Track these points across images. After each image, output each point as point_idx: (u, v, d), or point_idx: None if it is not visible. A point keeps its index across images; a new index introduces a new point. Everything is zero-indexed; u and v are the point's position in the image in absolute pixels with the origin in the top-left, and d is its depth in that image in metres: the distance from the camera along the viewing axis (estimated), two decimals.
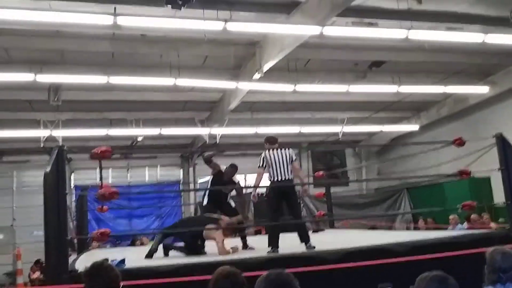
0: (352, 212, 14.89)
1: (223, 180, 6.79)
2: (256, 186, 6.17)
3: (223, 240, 5.87)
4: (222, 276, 2.72)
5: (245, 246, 6.57)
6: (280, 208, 5.94)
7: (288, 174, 5.80)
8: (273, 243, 5.53)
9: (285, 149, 5.92)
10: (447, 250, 4.75)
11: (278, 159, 5.80)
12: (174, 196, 16.37)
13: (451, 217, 10.30)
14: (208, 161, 6.87)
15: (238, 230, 6.69)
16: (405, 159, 12.41)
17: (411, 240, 5.52)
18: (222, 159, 16.81)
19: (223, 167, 6.88)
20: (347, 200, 15.51)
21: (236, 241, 6.50)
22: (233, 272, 2.75)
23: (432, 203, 12.91)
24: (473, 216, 9.35)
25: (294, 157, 5.92)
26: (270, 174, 5.82)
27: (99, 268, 2.65)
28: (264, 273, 2.15)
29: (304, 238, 5.67)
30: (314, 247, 5.48)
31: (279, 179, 5.76)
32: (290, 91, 10.96)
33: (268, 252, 5.39)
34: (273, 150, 5.90)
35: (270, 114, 14.12)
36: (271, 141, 6.10)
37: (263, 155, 5.89)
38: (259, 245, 6.23)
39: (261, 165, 5.86)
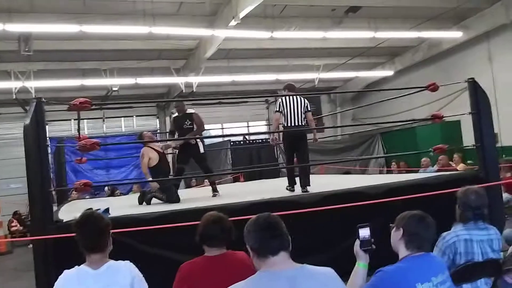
0: (328, 157, 15.23)
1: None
2: (274, 131, 6.78)
3: None
4: (211, 222, 2.85)
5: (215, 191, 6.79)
6: (293, 152, 6.29)
7: (301, 121, 6.07)
8: (291, 182, 6.16)
9: (301, 97, 6.18)
10: (420, 191, 4.98)
11: (294, 105, 6.04)
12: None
13: (423, 160, 10.68)
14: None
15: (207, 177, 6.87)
16: (379, 104, 12.61)
17: (385, 183, 5.75)
18: (199, 108, 16.87)
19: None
20: (323, 146, 15.80)
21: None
22: (221, 218, 2.89)
23: (405, 147, 13.29)
24: (441, 157, 9.68)
25: (309, 107, 6.20)
26: (284, 119, 6.06)
27: (90, 217, 2.73)
28: (252, 217, 2.27)
29: (305, 182, 5.98)
30: (308, 192, 5.81)
31: (293, 125, 6.03)
32: (267, 38, 10.89)
33: (287, 189, 6.11)
34: (290, 96, 6.12)
35: (247, 61, 14.04)
36: (290, 88, 6.37)
37: (279, 100, 6.13)
38: (235, 191, 6.45)
39: (278, 109, 6.10)
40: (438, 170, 9.35)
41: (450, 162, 10.02)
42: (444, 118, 6.50)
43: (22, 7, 9.14)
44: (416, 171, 10.74)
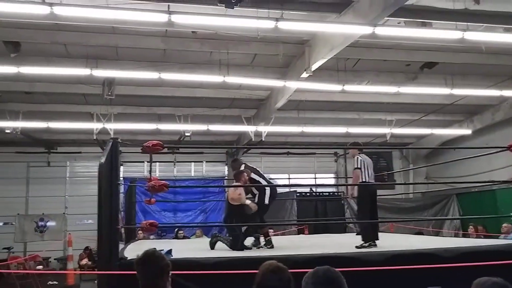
0: (398, 216, 14.61)
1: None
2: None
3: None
4: (270, 271, 2.74)
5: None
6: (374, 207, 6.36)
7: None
8: (371, 237, 5.99)
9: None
10: (498, 259, 4.57)
11: (370, 164, 6.37)
12: (218, 191, 16.58)
13: (504, 225, 9.93)
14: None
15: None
16: (455, 163, 12.05)
17: (460, 246, 5.36)
18: (267, 158, 17.00)
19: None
20: (393, 203, 15.22)
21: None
22: (280, 268, 2.78)
23: (483, 210, 12.47)
24: None
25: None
26: (364, 176, 6.25)
27: (151, 256, 2.75)
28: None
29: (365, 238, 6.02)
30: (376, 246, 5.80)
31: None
32: (338, 91, 10.87)
33: (363, 245, 5.87)
34: (364, 155, 6.46)
35: (317, 113, 14.03)
36: (360, 147, 6.66)
37: (359, 157, 6.32)
38: (297, 243, 6.27)
39: (358, 166, 6.29)
40: None
41: None
42: None
43: (108, 54, 9.87)
44: (496, 237, 9.97)
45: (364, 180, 6.19)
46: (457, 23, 7.87)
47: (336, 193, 15.65)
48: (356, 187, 6.69)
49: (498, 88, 11.51)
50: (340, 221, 12.45)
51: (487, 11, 8.24)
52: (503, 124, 13.95)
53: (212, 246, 6.35)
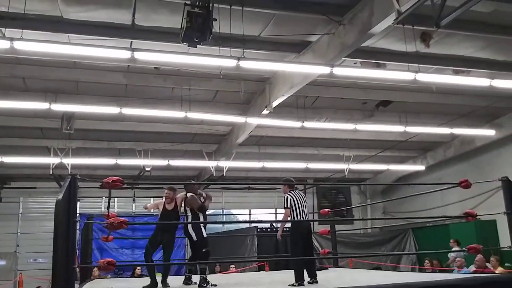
0: (357, 251, 14.76)
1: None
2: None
3: None
4: None
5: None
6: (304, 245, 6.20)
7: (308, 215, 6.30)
8: (299, 278, 5.82)
9: (303, 193, 6.41)
10: None
11: (301, 201, 6.24)
12: (180, 227, 16.28)
13: (457, 259, 10.21)
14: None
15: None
16: (411, 198, 12.38)
17: (417, 281, 5.47)
18: (228, 193, 16.91)
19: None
20: (352, 238, 15.39)
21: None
22: None
23: (438, 244, 12.80)
24: (478, 257, 9.23)
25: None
26: (295, 214, 6.14)
27: None
28: None
29: (312, 274, 5.98)
30: (317, 282, 5.73)
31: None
32: (298, 127, 11.12)
33: (293, 285, 5.70)
34: (295, 191, 6.34)
35: (277, 149, 14.25)
36: (291, 184, 6.49)
37: (288, 196, 6.23)
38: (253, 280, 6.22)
39: (287, 206, 6.18)
40: (474, 272, 8.90)
41: (487, 264, 9.53)
42: (478, 217, 6.30)
43: (69, 88, 9.76)
44: (451, 271, 10.23)
45: (295, 218, 6.10)
46: (409, 64, 8.27)
47: None
48: (282, 228, 6.69)
49: (449, 126, 12.07)
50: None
51: (437, 54, 8.74)
52: (454, 160, 14.56)
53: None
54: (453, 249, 10.90)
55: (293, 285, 5.71)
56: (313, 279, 5.93)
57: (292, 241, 6.30)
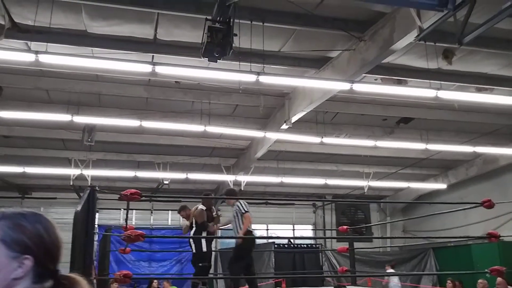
0: (375, 270, 14.51)
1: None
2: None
3: None
4: None
5: None
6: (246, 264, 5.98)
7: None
8: None
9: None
10: None
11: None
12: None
13: (479, 281, 9.92)
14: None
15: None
16: (432, 217, 12.15)
17: None
18: None
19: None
20: (371, 257, 15.15)
21: None
22: None
23: (459, 265, 12.49)
24: (499, 281, 8.94)
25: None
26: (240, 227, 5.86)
27: None
28: None
29: None
30: None
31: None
32: (317, 143, 11.05)
33: None
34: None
35: (296, 164, 14.17)
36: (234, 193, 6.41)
37: (242, 202, 6.14)
38: None
39: (247, 210, 6.05)
40: None
41: (509, 287, 9.23)
42: (501, 238, 6.13)
43: (91, 101, 9.92)
44: None
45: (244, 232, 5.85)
46: (431, 81, 8.19)
47: (314, 245, 15.53)
48: (245, 231, 6.32)
49: (472, 144, 11.85)
50: (317, 275, 12.27)
51: (460, 71, 8.63)
52: (476, 180, 14.27)
53: None
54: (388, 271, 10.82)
55: None
56: None
57: (237, 255, 6.01)
